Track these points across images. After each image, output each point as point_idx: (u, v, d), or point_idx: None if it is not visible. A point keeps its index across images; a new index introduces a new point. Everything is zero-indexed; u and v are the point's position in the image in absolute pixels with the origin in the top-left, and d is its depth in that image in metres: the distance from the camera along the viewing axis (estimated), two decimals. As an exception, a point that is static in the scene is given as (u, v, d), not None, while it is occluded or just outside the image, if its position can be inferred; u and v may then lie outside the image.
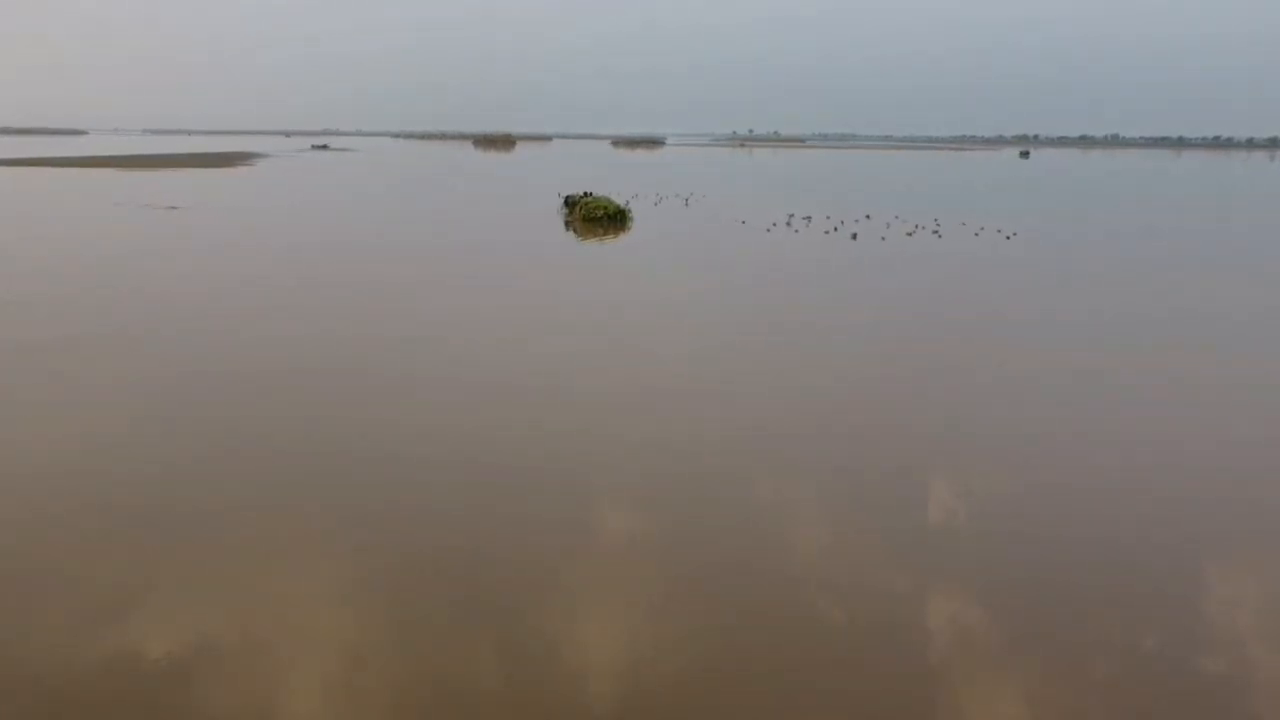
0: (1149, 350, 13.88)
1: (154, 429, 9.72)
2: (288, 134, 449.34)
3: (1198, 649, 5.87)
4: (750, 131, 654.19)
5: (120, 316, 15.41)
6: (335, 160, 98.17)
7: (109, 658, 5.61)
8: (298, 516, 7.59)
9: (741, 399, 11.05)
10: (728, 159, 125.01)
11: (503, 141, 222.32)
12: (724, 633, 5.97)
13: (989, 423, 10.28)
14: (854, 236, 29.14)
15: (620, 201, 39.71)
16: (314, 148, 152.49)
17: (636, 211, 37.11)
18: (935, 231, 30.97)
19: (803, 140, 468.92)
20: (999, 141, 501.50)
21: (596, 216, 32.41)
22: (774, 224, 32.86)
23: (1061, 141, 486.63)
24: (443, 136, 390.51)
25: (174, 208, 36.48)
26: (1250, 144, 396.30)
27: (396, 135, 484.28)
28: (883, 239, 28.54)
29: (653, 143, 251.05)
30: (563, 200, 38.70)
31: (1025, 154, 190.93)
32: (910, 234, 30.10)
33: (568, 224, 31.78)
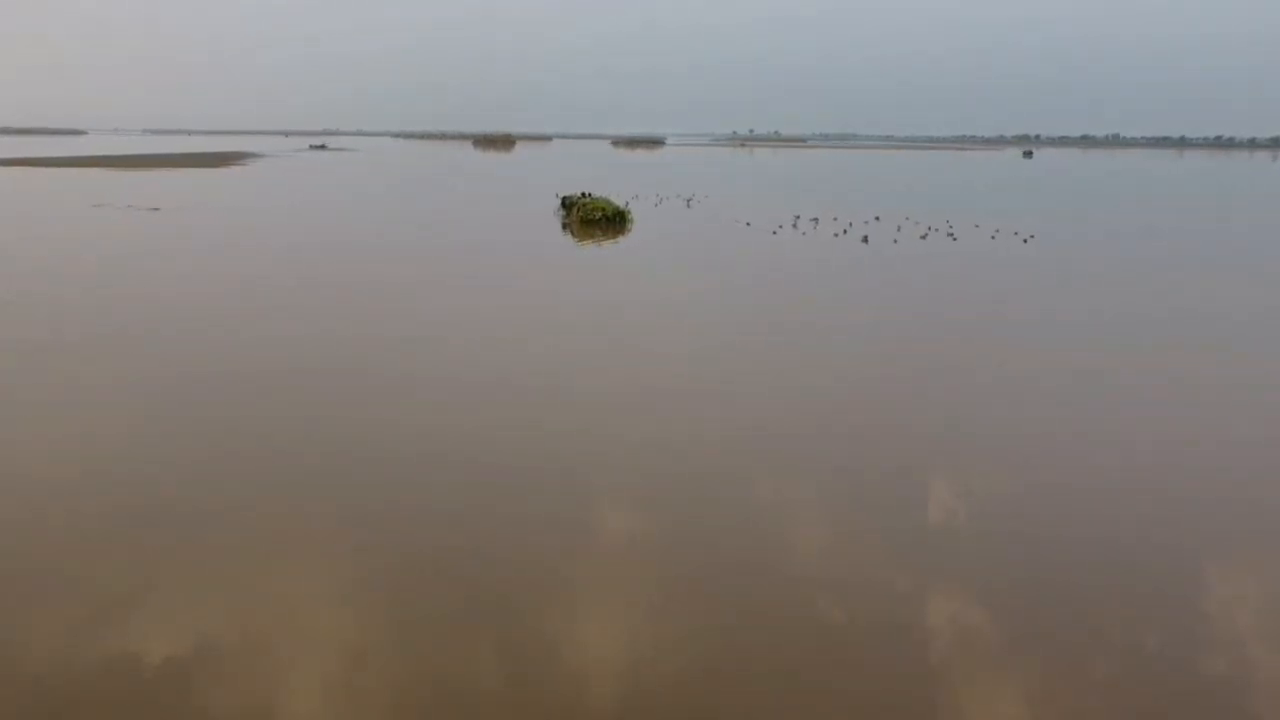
0: (1149, 350, 13.88)
1: (154, 429, 9.73)
2: (287, 134, 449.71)
3: (1198, 649, 5.86)
4: (751, 131, 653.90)
5: (75, 324, 15.42)
6: (333, 160, 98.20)
7: (109, 658, 5.61)
8: (298, 516, 7.60)
9: (741, 399, 11.06)
10: (728, 159, 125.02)
11: (502, 142, 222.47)
12: (724, 633, 5.97)
13: (989, 423, 10.28)
14: (865, 239, 28.12)
15: (620, 202, 39.37)
16: (311, 148, 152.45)
17: (637, 213, 36.76)
18: (950, 234, 30.09)
19: (803, 140, 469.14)
20: (999, 141, 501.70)
21: (595, 219, 31.94)
22: (780, 226, 32.28)
23: (1062, 141, 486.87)
24: (443, 137, 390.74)
25: (156, 209, 35.84)
26: (1253, 144, 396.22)
27: (396, 135, 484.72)
28: (895, 241, 27.81)
29: (653, 143, 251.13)
30: (560, 202, 37.82)
31: (1029, 154, 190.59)
32: (924, 237, 29.28)
33: (565, 226, 31.28)
